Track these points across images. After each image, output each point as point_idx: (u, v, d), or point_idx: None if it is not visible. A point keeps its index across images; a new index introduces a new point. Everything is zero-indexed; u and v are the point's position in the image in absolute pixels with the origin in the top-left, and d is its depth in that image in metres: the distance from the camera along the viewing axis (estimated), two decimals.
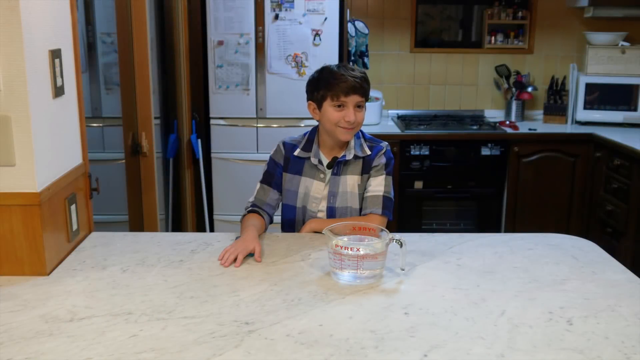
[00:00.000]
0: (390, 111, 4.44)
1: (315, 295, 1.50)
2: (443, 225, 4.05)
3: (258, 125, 3.84)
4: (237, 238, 1.83)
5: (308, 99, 1.98)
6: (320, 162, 2.00)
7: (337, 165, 1.99)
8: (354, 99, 1.89)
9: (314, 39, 3.71)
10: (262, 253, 1.74)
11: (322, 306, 1.44)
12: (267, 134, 3.84)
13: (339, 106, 1.89)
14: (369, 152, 1.99)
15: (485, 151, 3.89)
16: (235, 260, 1.68)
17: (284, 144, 2.04)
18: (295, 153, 2.01)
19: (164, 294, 1.49)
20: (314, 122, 2.06)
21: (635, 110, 4.07)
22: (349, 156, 1.98)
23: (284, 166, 2.02)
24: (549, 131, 4.01)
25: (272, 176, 2.03)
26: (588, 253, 1.82)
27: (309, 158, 2.00)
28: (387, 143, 2.04)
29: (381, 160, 1.99)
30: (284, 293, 1.50)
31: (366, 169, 1.99)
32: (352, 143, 1.99)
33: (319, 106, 1.94)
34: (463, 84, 4.47)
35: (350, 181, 1.99)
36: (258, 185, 2.04)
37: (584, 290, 1.55)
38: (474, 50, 4.43)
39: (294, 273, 1.63)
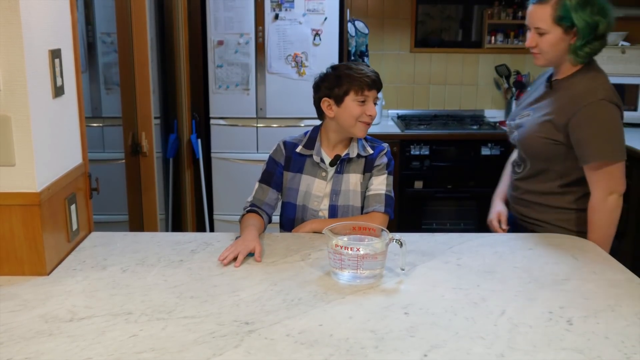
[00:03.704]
0: (390, 111, 4.44)
1: (315, 295, 1.50)
2: (443, 225, 4.05)
3: (258, 125, 3.85)
4: (237, 238, 1.83)
5: (323, 96, 1.96)
6: (322, 160, 2.00)
7: (341, 163, 1.99)
8: (374, 93, 1.93)
9: (314, 39, 3.71)
10: (262, 253, 1.74)
11: (322, 306, 1.44)
12: (267, 134, 3.84)
13: (362, 101, 1.91)
14: (371, 152, 2.01)
15: (485, 151, 3.89)
16: (235, 259, 1.68)
17: (285, 143, 2.04)
18: (297, 150, 2.01)
19: (164, 294, 1.49)
20: (314, 122, 2.06)
21: (635, 110, 4.07)
22: (352, 154, 1.98)
23: (284, 165, 2.02)
24: None
25: (272, 175, 2.02)
26: (588, 253, 1.82)
27: (310, 156, 2.00)
28: (387, 144, 2.06)
29: (383, 159, 2.01)
30: (284, 293, 1.50)
31: (368, 168, 2.00)
32: (355, 142, 2.00)
33: (339, 102, 1.93)
34: (463, 83, 4.47)
35: (353, 179, 1.99)
36: (257, 184, 2.04)
37: (584, 290, 1.55)
38: (474, 50, 4.43)
39: (294, 273, 1.63)
